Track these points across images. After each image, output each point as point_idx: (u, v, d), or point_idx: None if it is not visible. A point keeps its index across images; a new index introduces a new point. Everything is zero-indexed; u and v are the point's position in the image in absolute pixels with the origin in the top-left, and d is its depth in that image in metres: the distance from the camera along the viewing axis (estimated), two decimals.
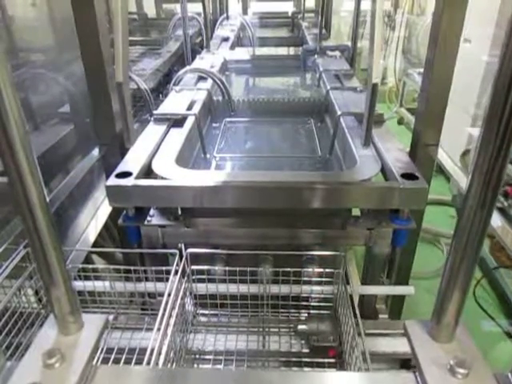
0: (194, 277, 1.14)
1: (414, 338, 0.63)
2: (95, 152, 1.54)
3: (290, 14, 4.14)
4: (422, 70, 1.40)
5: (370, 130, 1.27)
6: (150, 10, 4.48)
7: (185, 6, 2.41)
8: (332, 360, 1.09)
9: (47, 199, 0.54)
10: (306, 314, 1.17)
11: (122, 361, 1.05)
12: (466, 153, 2.70)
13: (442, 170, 3.32)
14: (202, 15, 2.92)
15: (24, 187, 0.52)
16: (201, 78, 1.96)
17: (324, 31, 3.00)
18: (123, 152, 1.31)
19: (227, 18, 3.69)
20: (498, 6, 2.60)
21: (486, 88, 2.69)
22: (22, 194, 0.52)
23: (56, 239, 0.56)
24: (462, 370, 0.57)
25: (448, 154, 3.15)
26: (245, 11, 4.24)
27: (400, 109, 4.78)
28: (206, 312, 1.21)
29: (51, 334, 0.60)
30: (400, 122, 4.71)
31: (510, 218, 2.07)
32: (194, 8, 3.14)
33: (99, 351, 1.06)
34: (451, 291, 0.58)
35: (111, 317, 1.17)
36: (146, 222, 1.18)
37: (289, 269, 1.09)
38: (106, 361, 1.05)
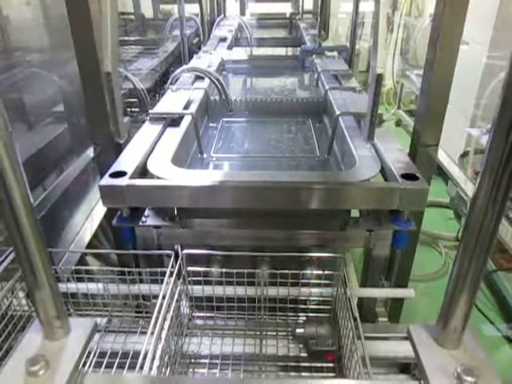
0: (189, 279, 1.11)
1: (418, 343, 0.60)
2: (90, 152, 1.52)
3: (287, 15, 4.13)
4: (420, 71, 1.38)
5: (374, 123, 1.22)
6: (148, 11, 4.47)
7: (182, 6, 2.40)
8: (331, 364, 1.07)
9: (31, 200, 0.52)
10: (304, 318, 1.15)
11: (115, 365, 1.02)
12: (465, 154, 2.69)
13: (438, 172, 3.30)
14: (199, 15, 2.91)
15: (6, 189, 0.50)
16: (198, 78, 1.94)
17: (322, 32, 3.00)
18: (118, 152, 1.28)
19: (224, 16, 3.67)
20: (497, 8, 2.59)
21: (484, 89, 2.68)
22: (5, 195, 0.50)
23: (41, 241, 0.53)
24: (469, 378, 0.54)
25: (447, 155, 3.13)
26: (242, 12, 4.23)
27: (398, 111, 4.78)
28: (202, 315, 1.18)
29: (36, 339, 0.57)
30: (398, 123, 4.71)
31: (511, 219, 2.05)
32: (192, 9, 3.13)
33: (92, 355, 1.03)
34: (459, 294, 0.55)
35: (104, 320, 1.14)
36: (140, 223, 1.16)
37: (287, 271, 1.07)
38: (98, 365, 1.02)
